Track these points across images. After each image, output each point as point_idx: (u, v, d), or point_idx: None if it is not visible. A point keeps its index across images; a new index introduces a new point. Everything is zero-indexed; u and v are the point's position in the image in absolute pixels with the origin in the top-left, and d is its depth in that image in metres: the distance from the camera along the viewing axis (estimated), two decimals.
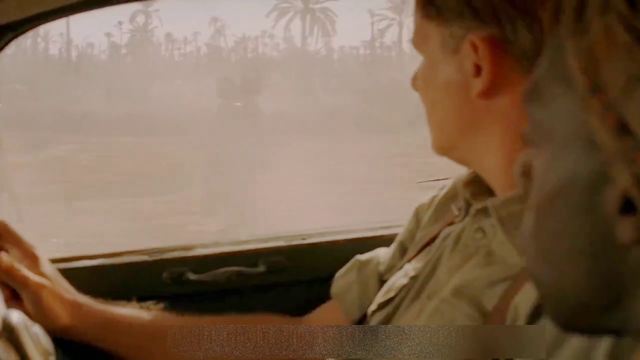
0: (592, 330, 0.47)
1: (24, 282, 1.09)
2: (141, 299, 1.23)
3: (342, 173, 9.70)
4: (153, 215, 7.57)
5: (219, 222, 6.99)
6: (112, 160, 10.49)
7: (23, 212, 7.34)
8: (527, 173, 0.48)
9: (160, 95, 15.53)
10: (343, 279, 1.17)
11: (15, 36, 1.17)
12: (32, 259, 1.13)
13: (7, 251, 1.13)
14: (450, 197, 1.07)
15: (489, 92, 0.86)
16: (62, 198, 8.15)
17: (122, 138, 11.42)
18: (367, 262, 1.17)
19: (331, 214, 7.30)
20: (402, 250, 1.12)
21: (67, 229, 6.89)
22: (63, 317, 1.11)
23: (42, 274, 1.12)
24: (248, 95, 7.11)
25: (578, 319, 0.46)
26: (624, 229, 0.40)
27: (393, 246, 1.15)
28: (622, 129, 0.40)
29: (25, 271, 1.10)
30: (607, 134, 0.40)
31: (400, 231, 1.16)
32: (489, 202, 0.92)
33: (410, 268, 1.02)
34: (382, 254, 1.17)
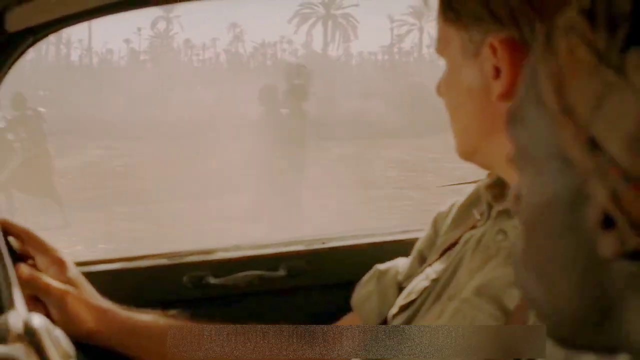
0: (588, 346, 0.47)
1: (47, 289, 1.09)
2: (162, 302, 1.22)
3: (373, 178, 9.70)
4: (194, 220, 7.61)
5: (262, 227, 7.04)
6: (144, 165, 10.52)
7: (68, 218, 7.44)
8: (517, 198, 0.49)
9: (186, 101, 15.61)
10: (363, 289, 1.17)
11: (36, 40, 1.17)
12: (58, 265, 1.13)
13: (33, 258, 1.13)
14: (471, 202, 1.07)
15: (508, 94, 0.85)
16: (103, 203, 8.22)
17: (151, 143, 11.46)
18: (386, 271, 1.17)
19: (367, 219, 7.34)
20: (421, 259, 1.12)
21: (112, 235, 6.95)
22: (88, 322, 1.11)
23: (68, 280, 1.12)
24: (294, 101, 7.13)
25: (572, 334, 0.46)
26: (606, 243, 0.41)
27: (412, 255, 1.15)
28: (594, 145, 0.41)
29: (47, 279, 1.10)
30: (580, 152, 0.41)
31: (419, 235, 1.15)
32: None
33: (431, 271, 1.02)
34: (401, 263, 1.17)
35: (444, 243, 1.06)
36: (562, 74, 0.42)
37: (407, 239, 1.26)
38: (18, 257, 1.11)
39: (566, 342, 0.47)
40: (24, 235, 1.13)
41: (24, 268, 1.09)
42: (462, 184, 1.17)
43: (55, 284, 1.10)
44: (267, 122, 7.09)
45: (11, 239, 1.12)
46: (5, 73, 1.17)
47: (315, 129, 9.14)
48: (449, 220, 1.09)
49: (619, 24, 0.40)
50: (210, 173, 9.25)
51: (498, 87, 0.86)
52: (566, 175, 0.43)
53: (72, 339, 0.94)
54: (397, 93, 14.43)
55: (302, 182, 7.16)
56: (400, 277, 1.14)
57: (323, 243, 1.39)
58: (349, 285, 1.20)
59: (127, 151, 11.37)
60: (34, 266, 1.12)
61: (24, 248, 1.13)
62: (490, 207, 0.97)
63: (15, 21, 1.11)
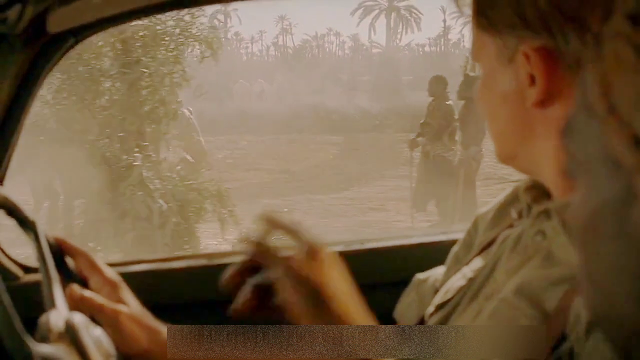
0: None
1: (100, 309, 1.09)
2: (200, 303, 1.23)
3: (488, 170, 9.59)
4: (344, 212, 7.65)
5: (424, 217, 7.13)
6: (253, 158, 10.41)
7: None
8: (574, 209, 0.49)
9: (248, 93, 15.55)
10: (405, 300, 1.18)
11: (77, 41, 1.19)
12: (111, 285, 1.13)
13: (87, 279, 1.14)
14: (509, 201, 1.06)
15: (544, 102, 0.85)
16: (242, 195, 8.14)
17: (244, 136, 11.35)
18: (425, 280, 1.17)
19: None
20: (457, 263, 1.11)
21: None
22: (141, 341, 1.11)
23: (120, 299, 1.12)
24: (470, 93, 7.26)
25: (629, 343, 0.45)
26: None
27: (448, 259, 1.15)
28: (637, 142, 0.41)
29: (100, 298, 1.11)
30: (626, 151, 0.41)
31: (458, 237, 1.15)
32: (552, 204, 0.91)
33: (468, 270, 1.02)
34: (440, 271, 1.17)
35: (482, 242, 1.06)
36: (608, 77, 0.43)
37: (445, 240, 1.24)
38: (73, 276, 1.11)
39: (624, 350, 0.46)
40: (78, 256, 1.13)
41: (76, 288, 1.09)
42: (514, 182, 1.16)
43: (108, 303, 1.10)
44: (434, 113, 7.33)
45: (68, 258, 1.13)
46: (47, 73, 1.19)
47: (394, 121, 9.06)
48: (488, 219, 1.09)
49: None
50: (323, 166, 9.13)
51: (533, 94, 0.85)
52: (616, 178, 0.43)
53: (124, 358, 0.94)
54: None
55: (476, 173, 7.34)
56: (437, 285, 1.14)
57: (362, 244, 1.38)
58: (388, 287, 1.19)
59: (222, 144, 11.26)
60: (88, 286, 1.12)
61: (78, 268, 1.14)
62: (529, 207, 0.96)
63: (57, 23, 1.13)
